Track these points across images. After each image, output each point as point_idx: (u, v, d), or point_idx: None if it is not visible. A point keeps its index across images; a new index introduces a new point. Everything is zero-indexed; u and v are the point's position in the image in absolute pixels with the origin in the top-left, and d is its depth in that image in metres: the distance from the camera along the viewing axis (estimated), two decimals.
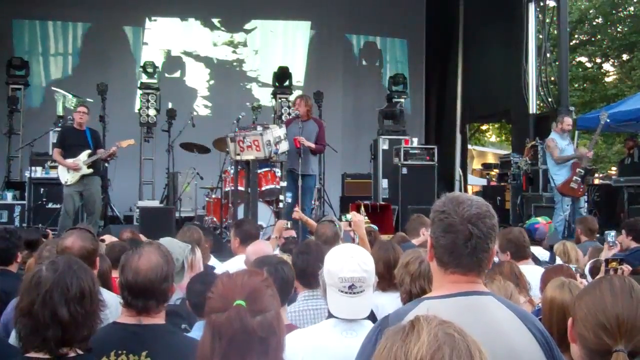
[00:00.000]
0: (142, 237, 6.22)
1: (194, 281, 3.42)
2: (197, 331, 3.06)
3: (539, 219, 6.33)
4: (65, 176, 9.14)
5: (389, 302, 3.83)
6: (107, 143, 12.01)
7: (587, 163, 10.02)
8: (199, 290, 3.25)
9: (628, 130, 14.27)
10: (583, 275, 4.60)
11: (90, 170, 9.20)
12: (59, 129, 11.55)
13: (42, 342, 2.18)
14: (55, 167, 9.95)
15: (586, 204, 10.21)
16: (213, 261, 5.55)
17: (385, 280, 4.02)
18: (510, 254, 4.95)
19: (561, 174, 9.90)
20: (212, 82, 16.57)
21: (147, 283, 2.63)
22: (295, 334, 2.90)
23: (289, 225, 6.56)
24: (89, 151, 9.20)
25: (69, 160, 9.12)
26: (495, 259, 5.15)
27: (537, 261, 5.21)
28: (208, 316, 1.89)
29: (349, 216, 5.63)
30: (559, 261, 5.36)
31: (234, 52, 16.72)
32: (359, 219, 5.45)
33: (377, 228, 6.62)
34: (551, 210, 10.20)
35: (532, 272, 4.31)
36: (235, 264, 4.75)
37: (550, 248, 5.93)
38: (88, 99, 13.22)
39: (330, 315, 2.89)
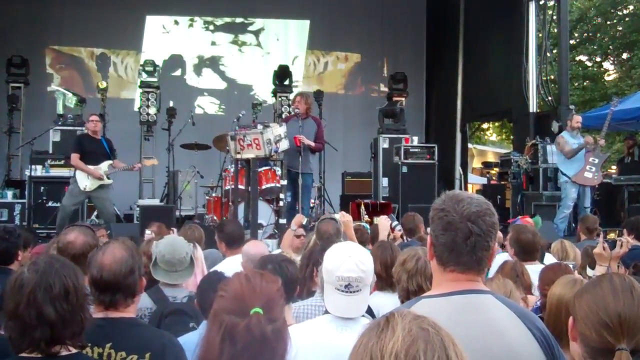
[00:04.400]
0: (172, 232, 6.21)
1: (206, 287, 3.39)
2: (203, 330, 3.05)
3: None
4: (85, 182, 9.24)
5: (386, 302, 3.84)
6: None
7: (600, 150, 10.03)
8: (212, 297, 3.23)
9: (628, 129, 14.29)
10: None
11: (111, 181, 9.33)
12: (59, 128, 11.59)
13: (31, 342, 2.19)
14: (57, 166, 9.99)
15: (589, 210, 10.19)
16: None
17: (383, 279, 4.03)
18: (514, 252, 4.93)
19: (572, 167, 9.92)
20: (212, 80, 16.57)
21: (112, 277, 2.66)
22: (291, 329, 2.90)
23: (304, 222, 6.50)
24: (109, 162, 9.38)
25: (91, 167, 9.22)
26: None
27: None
28: (218, 315, 1.87)
29: (337, 216, 5.65)
30: (551, 259, 5.34)
31: (235, 50, 16.71)
32: (347, 219, 5.47)
33: (368, 227, 6.61)
34: (552, 209, 10.21)
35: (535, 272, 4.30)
36: (225, 268, 4.71)
37: (547, 245, 5.90)
38: (88, 97, 13.28)
39: (326, 311, 2.92)
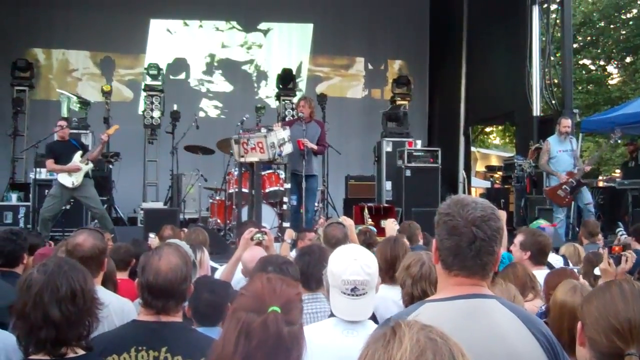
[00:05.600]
0: (182, 234, 6.24)
1: (200, 289, 3.36)
2: None
3: (542, 221, 6.28)
4: (69, 180, 9.27)
5: (389, 296, 3.86)
6: (111, 145, 12.10)
7: (581, 176, 9.91)
8: (208, 299, 3.24)
9: (632, 133, 14.26)
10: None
11: (91, 165, 9.36)
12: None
13: (37, 343, 2.20)
14: None
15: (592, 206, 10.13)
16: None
17: (383, 272, 4.04)
18: (530, 255, 4.91)
19: (554, 178, 9.87)
20: (216, 84, 16.58)
21: (168, 284, 2.66)
22: None
23: (294, 237, 6.54)
24: (80, 152, 9.41)
25: (68, 165, 9.30)
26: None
27: (551, 267, 5.17)
28: (236, 312, 1.88)
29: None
30: (555, 262, 5.36)
31: (238, 53, 16.72)
32: (349, 223, 5.49)
33: (375, 230, 6.62)
34: None
35: (541, 277, 4.30)
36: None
37: (555, 250, 5.91)
38: (92, 101, 13.30)
39: (332, 314, 2.92)
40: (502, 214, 2.13)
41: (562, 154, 9.83)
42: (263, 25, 16.84)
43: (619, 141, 10.09)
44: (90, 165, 9.40)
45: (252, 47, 16.82)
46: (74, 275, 2.30)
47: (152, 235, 7.09)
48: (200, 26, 16.57)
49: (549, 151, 9.84)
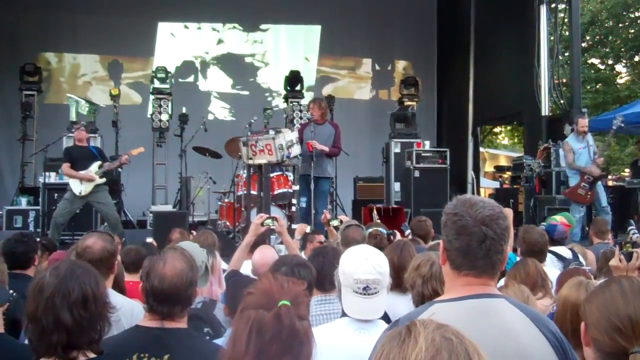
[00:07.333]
0: (191, 237, 6.25)
1: (236, 289, 3.35)
2: None
3: (558, 217, 6.23)
4: (79, 187, 9.31)
5: (398, 302, 3.85)
6: (119, 149, 12.15)
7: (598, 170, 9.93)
8: None
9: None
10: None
11: (103, 180, 9.40)
12: (72, 135, 11.65)
13: (48, 347, 2.20)
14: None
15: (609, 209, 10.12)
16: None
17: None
18: (521, 252, 4.91)
19: (574, 177, 9.88)
20: (224, 86, 16.61)
21: (173, 289, 2.64)
22: None
23: (307, 230, 6.51)
24: (99, 162, 9.44)
25: (82, 172, 9.31)
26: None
27: (563, 259, 5.14)
28: (245, 311, 1.86)
29: (335, 222, 5.72)
30: (553, 260, 5.34)
31: (246, 56, 16.75)
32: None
33: (385, 232, 6.59)
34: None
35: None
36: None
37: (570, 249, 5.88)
38: (101, 104, 13.35)
39: (344, 314, 2.92)
40: (509, 212, 2.13)
41: (582, 150, 9.93)
42: (271, 27, 16.87)
43: (622, 125, 10.09)
44: (103, 180, 9.45)
45: (260, 49, 16.83)
46: (86, 280, 2.29)
47: (149, 240, 7.08)
48: (207, 28, 16.58)
49: (572, 150, 9.89)
